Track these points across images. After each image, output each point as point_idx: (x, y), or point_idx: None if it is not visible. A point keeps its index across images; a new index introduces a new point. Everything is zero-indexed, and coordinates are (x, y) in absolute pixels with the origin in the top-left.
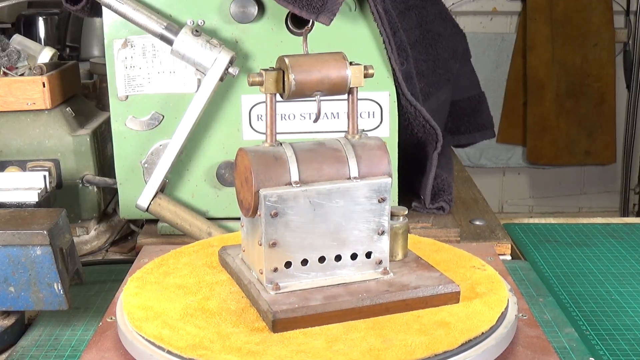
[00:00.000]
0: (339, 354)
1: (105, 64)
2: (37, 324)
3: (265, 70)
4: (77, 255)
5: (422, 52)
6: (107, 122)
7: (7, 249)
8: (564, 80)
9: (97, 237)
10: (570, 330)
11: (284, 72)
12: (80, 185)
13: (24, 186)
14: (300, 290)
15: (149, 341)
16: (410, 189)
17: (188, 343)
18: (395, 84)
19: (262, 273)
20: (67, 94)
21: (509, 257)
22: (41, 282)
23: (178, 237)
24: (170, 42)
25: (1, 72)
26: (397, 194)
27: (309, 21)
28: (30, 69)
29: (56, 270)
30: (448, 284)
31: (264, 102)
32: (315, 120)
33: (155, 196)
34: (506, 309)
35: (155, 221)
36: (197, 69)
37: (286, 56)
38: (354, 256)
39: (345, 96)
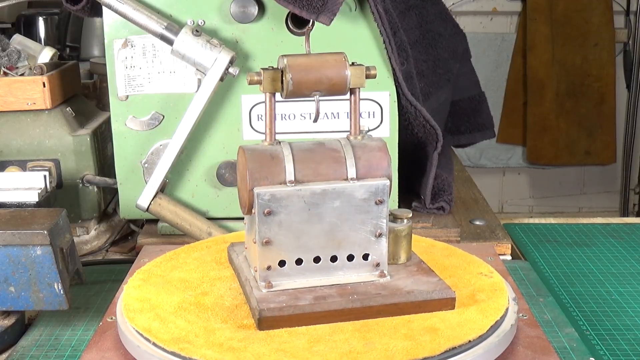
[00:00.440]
0: (316, 355)
1: (105, 64)
2: (37, 324)
3: (264, 69)
4: (77, 255)
5: (422, 52)
6: (107, 122)
7: (7, 248)
8: (564, 80)
9: (97, 237)
10: (571, 330)
11: (282, 71)
12: (81, 185)
13: (24, 186)
14: (292, 289)
15: (138, 332)
16: (411, 189)
17: (173, 336)
18: (395, 83)
19: (256, 271)
20: (67, 94)
21: (509, 257)
22: (41, 282)
23: (178, 237)
24: (170, 42)
25: (1, 72)
26: (397, 194)
27: (309, 21)
28: (30, 69)
29: (56, 270)
30: (443, 289)
31: (264, 102)
32: (315, 120)
33: (155, 196)
34: (502, 317)
35: (155, 221)
36: (197, 69)
37: (286, 56)
38: (350, 258)
39: (345, 96)
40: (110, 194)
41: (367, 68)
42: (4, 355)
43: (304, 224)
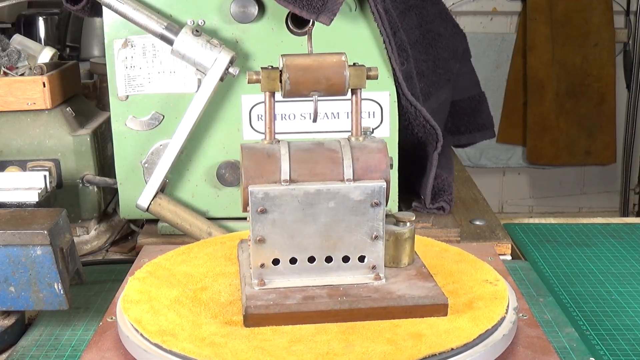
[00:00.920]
0: (293, 354)
1: (105, 64)
2: (37, 323)
3: (263, 68)
4: (77, 255)
5: (422, 52)
6: (108, 122)
7: (7, 248)
8: (564, 80)
9: (98, 237)
10: (571, 330)
11: (281, 71)
12: (81, 185)
13: (24, 186)
14: (284, 288)
15: (131, 323)
16: (411, 189)
17: (160, 328)
18: (395, 84)
19: (251, 268)
20: (67, 93)
21: (509, 257)
22: (41, 282)
23: (178, 237)
24: (170, 42)
25: (1, 72)
26: (397, 194)
27: (309, 21)
28: (30, 68)
29: (56, 270)
30: (436, 295)
31: (264, 102)
32: (314, 121)
33: (155, 196)
34: (494, 327)
35: (155, 221)
36: (197, 69)
37: (285, 55)
38: (346, 259)
39: (346, 96)
40: (110, 194)
41: (368, 69)
42: (4, 355)
43: (298, 223)
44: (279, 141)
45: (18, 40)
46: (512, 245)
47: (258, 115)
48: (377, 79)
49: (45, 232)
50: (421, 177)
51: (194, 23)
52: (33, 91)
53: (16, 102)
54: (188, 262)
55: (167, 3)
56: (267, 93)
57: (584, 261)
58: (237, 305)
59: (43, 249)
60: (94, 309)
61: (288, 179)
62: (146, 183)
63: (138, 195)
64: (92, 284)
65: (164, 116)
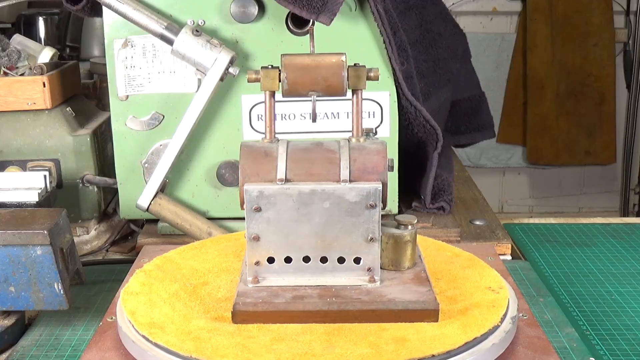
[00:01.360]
0: (271, 352)
1: (105, 64)
2: (37, 323)
3: (263, 68)
4: (77, 255)
5: (423, 52)
6: (108, 122)
7: (8, 248)
8: (564, 80)
9: (98, 237)
10: (571, 330)
11: (280, 70)
12: (81, 185)
13: (24, 186)
14: (276, 286)
15: (125, 314)
16: (411, 189)
17: (151, 321)
18: (395, 83)
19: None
20: (67, 93)
21: (509, 257)
22: (41, 282)
23: (178, 237)
24: (170, 42)
25: (1, 72)
26: (397, 194)
27: (309, 21)
28: (30, 68)
29: (56, 270)
30: (427, 301)
31: (264, 101)
32: (314, 120)
33: (155, 196)
34: (484, 335)
35: (155, 221)
36: (197, 69)
37: (285, 55)
38: (341, 260)
39: (345, 97)
40: (110, 194)
41: (369, 70)
42: (4, 355)
43: (293, 223)
44: (279, 140)
45: (18, 40)
46: (512, 245)
47: (258, 115)
48: (377, 80)
49: (45, 232)
50: (421, 177)
51: (194, 23)
52: (33, 91)
53: (16, 102)
54: (197, 257)
55: (167, 3)
56: (267, 92)
57: (584, 261)
58: (232, 301)
59: (43, 249)
60: (94, 309)
61: (283, 178)
62: (146, 183)
63: (138, 195)
64: (92, 284)
65: (164, 116)
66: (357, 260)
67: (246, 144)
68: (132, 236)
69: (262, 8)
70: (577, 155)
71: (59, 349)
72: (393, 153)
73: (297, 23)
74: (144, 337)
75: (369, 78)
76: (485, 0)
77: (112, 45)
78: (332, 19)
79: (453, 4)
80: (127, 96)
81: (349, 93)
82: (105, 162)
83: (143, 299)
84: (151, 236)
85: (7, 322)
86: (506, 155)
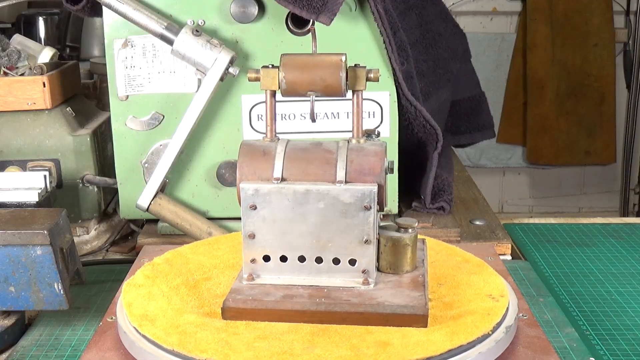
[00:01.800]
0: (251, 350)
1: (105, 64)
2: (37, 323)
3: (264, 67)
4: (77, 255)
5: (422, 52)
6: (108, 122)
7: (8, 248)
8: (564, 80)
9: (98, 237)
10: (571, 330)
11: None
12: (81, 185)
13: (24, 186)
14: (269, 284)
15: (122, 305)
16: (411, 189)
17: (145, 313)
18: (395, 84)
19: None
20: (67, 93)
21: (509, 257)
22: (41, 282)
23: (178, 237)
24: (170, 42)
25: (1, 72)
26: (397, 194)
27: (309, 21)
28: (30, 68)
29: (56, 270)
30: (416, 306)
31: (264, 102)
32: (313, 121)
33: (155, 196)
34: (470, 343)
35: (155, 221)
36: (197, 69)
37: (285, 55)
38: (336, 261)
39: (345, 97)
40: (110, 194)
41: (369, 71)
42: (4, 355)
43: (288, 222)
44: (279, 139)
45: (18, 40)
46: (512, 245)
47: (258, 115)
48: (377, 81)
49: (45, 232)
50: (421, 177)
51: (194, 23)
52: (33, 91)
53: (16, 102)
54: (208, 253)
55: (167, 3)
56: (268, 92)
57: (584, 261)
58: None
59: (43, 249)
60: (94, 309)
61: (280, 177)
62: (146, 183)
63: (138, 195)
64: (92, 284)
65: (164, 116)
66: (352, 262)
67: (246, 142)
68: (132, 236)
69: (262, 8)
70: (577, 155)
71: (59, 349)
72: (393, 153)
73: (297, 23)
74: (135, 328)
75: (368, 79)
76: (485, 0)
77: (112, 45)
78: (332, 19)
79: (453, 4)
80: (127, 96)
81: (349, 93)
82: (105, 162)
83: (143, 291)
84: (151, 236)
85: (7, 322)
86: (506, 155)
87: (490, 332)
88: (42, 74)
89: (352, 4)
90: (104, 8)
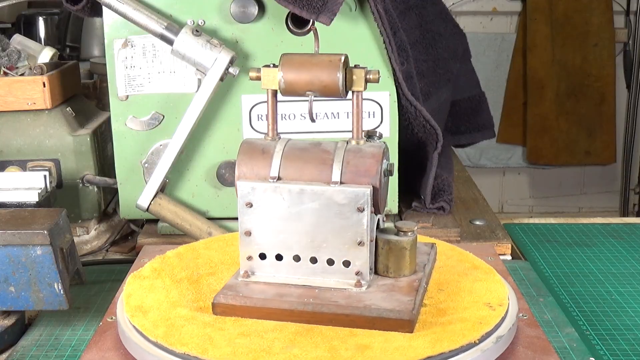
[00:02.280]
0: (230, 346)
1: (105, 64)
2: (37, 323)
3: (265, 66)
4: (77, 255)
5: (422, 52)
6: (108, 122)
7: (8, 248)
8: (564, 80)
9: (98, 237)
10: (571, 330)
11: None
12: (81, 185)
13: (24, 186)
14: (263, 282)
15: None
16: (411, 189)
17: (140, 304)
18: (395, 83)
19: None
20: (67, 93)
21: (509, 257)
22: (41, 282)
23: (178, 237)
24: (170, 42)
25: (1, 72)
26: (397, 194)
27: (309, 21)
28: (30, 68)
29: (56, 270)
30: (402, 311)
31: (263, 102)
32: (313, 120)
33: (155, 196)
34: (453, 351)
35: (155, 221)
36: (197, 69)
37: (285, 54)
38: (330, 262)
39: (345, 97)
40: (110, 194)
41: (368, 72)
42: (4, 355)
43: (284, 221)
44: (280, 138)
45: (18, 40)
46: (512, 245)
47: (258, 115)
48: (377, 82)
49: (45, 232)
50: (421, 177)
51: (194, 23)
52: (33, 91)
53: (16, 102)
54: (221, 249)
55: (167, 3)
56: (269, 91)
57: (584, 261)
58: None
59: (43, 249)
60: (94, 309)
61: (276, 176)
62: (146, 183)
63: (138, 195)
64: (92, 284)
65: (164, 116)
66: (346, 264)
67: (247, 140)
68: (132, 236)
69: (262, 8)
70: (577, 155)
71: (59, 349)
72: (393, 153)
73: (297, 23)
74: (127, 318)
75: (367, 80)
76: (485, 0)
77: (112, 45)
78: (332, 19)
79: (453, 4)
80: (127, 96)
81: (349, 94)
82: (105, 162)
83: (146, 283)
84: (151, 236)
85: (7, 322)
86: (506, 155)
87: (477, 342)
88: (42, 74)
89: (352, 4)
90: (104, 8)
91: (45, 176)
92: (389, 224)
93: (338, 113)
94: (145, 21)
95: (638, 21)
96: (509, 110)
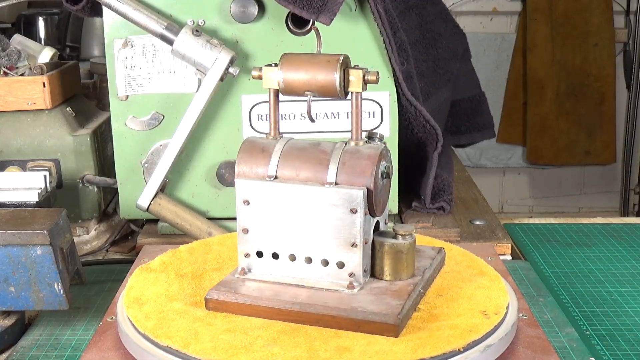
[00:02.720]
0: (213, 341)
1: (105, 64)
2: (37, 323)
3: (267, 66)
4: (77, 255)
5: (422, 52)
6: (108, 122)
7: (8, 248)
8: (564, 80)
9: (98, 237)
10: (571, 330)
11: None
12: (81, 185)
13: (24, 186)
14: (258, 280)
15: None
16: (411, 189)
17: (139, 296)
18: (395, 84)
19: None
20: (67, 93)
21: (509, 257)
22: (41, 282)
23: (178, 237)
24: (170, 42)
25: (1, 72)
26: (397, 194)
27: (309, 21)
28: (30, 68)
29: (56, 270)
30: (388, 315)
31: (263, 102)
32: (313, 121)
33: (155, 196)
34: (433, 358)
35: (155, 221)
36: (197, 69)
37: (285, 54)
38: (324, 262)
39: (344, 98)
40: (110, 194)
41: (366, 73)
42: (4, 355)
43: (279, 220)
44: (282, 137)
45: (18, 40)
46: (512, 245)
47: (258, 115)
48: (376, 83)
49: (45, 232)
50: (421, 177)
51: (194, 23)
52: (33, 91)
53: (16, 102)
54: (234, 246)
55: (167, 3)
56: (271, 90)
57: (584, 261)
58: None
59: (43, 249)
60: (94, 309)
61: (273, 175)
62: (146, 183)
63: (138, 195)
64: (92, 284)
65: (164, 116)
66: (340, 265)
67: (249, 139)
68: (132, 236)
69: (262, 8)
70: (577, 155)
71: (59, 349)
72: (393, 153)
73: (297, 23)
74: (124, 309)
75: (366, 81)
76: (485, 0)
77: (112, 45)
78: (332, 19)
79: (453, 4)
80: (127, 96)
81: (349, 94)
82: (105, 162)
83: (151, 276)
84: (151, 236)
85: (7, 322)
86: (506, 155)
87: (461, 350)
88: (42, 74)
89: (352, 4)
90: (104, 8)
91: (45, 176)
92: (391, 226)
93: (338, 113)
94: (145, 21)
95: (638, 21)
96: (509, 110)
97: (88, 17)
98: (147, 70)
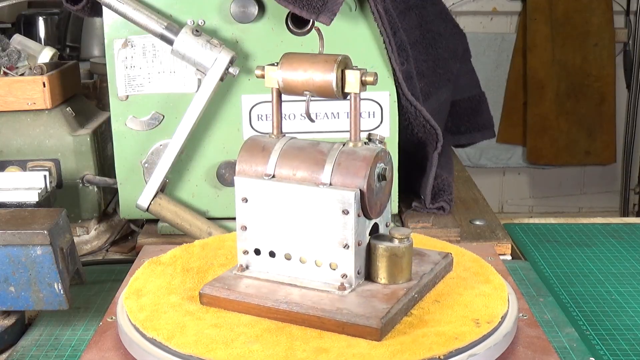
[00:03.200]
0: (197, 335)
1: (105, 64)
2: (37, 323)
3: (269, 65)
4: (77, 255)
5: (422, 52)
6: (108, 122)
7: (8, 248)
8: (564, 80)
9: (97, 237)
10: (571, 330)
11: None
12: (81, 185)
13: (24, 186)
14: (254, 277)
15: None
16: (411, 189)
17: (139, 288)
18: (395, 84)
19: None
20: (67, 93)
21: (509, 257)
22: (41, 282)
23: (178, 237)
24: (170, 42)
25: (1, 72)
26: (397, 194)
27: (309, 21)
28: (30, 68)
29: (56, 270)
30: (371, 318)
31: (264, 102)
32: (312, 121)
33: (155, 196)
34: None
35: (155, 221)
36: (197, 69)
37: (286, 54)
38: (318, 263)
39: (344, 98)
40: (110, 193)
41: (364, 74)
42: (4, 355)
43: (276, 219)
44: (284, 136)
45: (18, 40)
46: (512, 245)
47: (258, 115)
48: (374, 84)
49: (45, 232)
50: (421, 177)
51: (194, 23)
52: (33, 91)
53: (16, 102)
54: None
55: (167, 3)
56: (273, 89)
57: (584, 261)
58: None
59: (43, 249)
60: (94, 309)
61: (271, 173)
62: (146, 183)
63: (138, 195)
64: (92, 284)
65: (164, 116)
66: (332, 266)
67: (252, 137)
68: (132, 236)
69: (262, 8)
70: (577, 155)
71: (59, 349)
72: (393, 153)
73: (297, 23)
74: (122, 300)
75: (364, 82)
76: (485, 0)
77: (112, 45)
78: (332, 19)
79: (453, 4)
80: (127, 96)
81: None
82: (105, 162)
83: (159, 269)
84: (151, 236)
85: (7, 322)
86: (506, 155)
87: (441, 357)
88: (42, 74)
89: (352, 4)
90: (104, 8)
91: (45, 176)
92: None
93: (338, 113)
94: (145, 21)
95: (638, 21)
96: (509, 110)
97: (88, 17)
98: (147, 70)
